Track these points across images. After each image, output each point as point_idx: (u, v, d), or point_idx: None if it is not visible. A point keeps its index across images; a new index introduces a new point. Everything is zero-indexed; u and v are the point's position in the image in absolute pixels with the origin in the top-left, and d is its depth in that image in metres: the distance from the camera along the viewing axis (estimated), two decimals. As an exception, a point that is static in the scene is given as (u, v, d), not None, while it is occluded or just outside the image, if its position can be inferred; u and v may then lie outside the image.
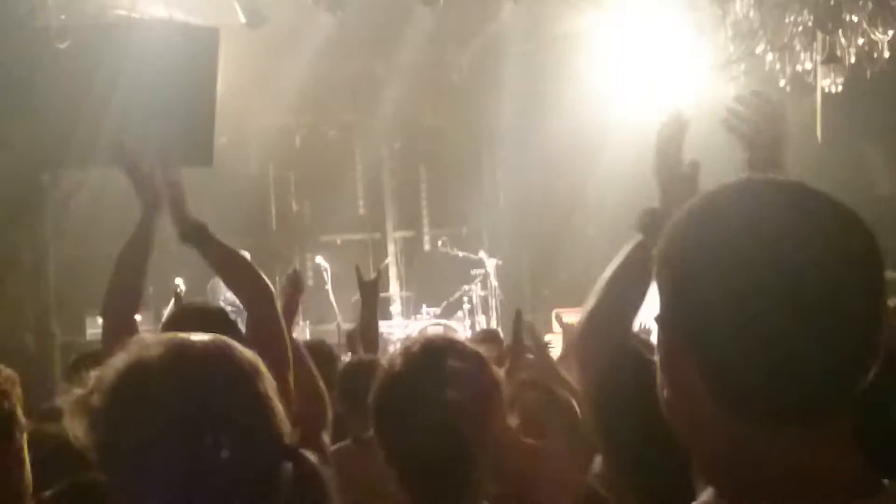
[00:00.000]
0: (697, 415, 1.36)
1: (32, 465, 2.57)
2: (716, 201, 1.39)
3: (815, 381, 1.29)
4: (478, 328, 12.05)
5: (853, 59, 9.82)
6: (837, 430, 1.34)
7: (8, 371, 2.51)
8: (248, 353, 1.87)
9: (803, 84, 10.12)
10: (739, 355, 1.29)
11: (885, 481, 1.36)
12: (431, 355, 2.53)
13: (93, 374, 1.83)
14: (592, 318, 2.46)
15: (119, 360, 1.82)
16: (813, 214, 1.34)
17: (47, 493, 2.76)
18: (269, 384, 1.85)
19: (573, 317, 10.71)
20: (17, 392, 2.50)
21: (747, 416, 1.31)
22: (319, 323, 12.37)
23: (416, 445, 2.48)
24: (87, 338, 10.70)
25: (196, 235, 3.41)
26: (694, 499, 1.39)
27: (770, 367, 1.28)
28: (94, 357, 4.34)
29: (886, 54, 9.80)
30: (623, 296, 2.46)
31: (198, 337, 1.86)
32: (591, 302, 2.47)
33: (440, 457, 2.45)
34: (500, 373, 2.59)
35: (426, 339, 2.65)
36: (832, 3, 9.50)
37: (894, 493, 1.35)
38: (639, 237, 2.45)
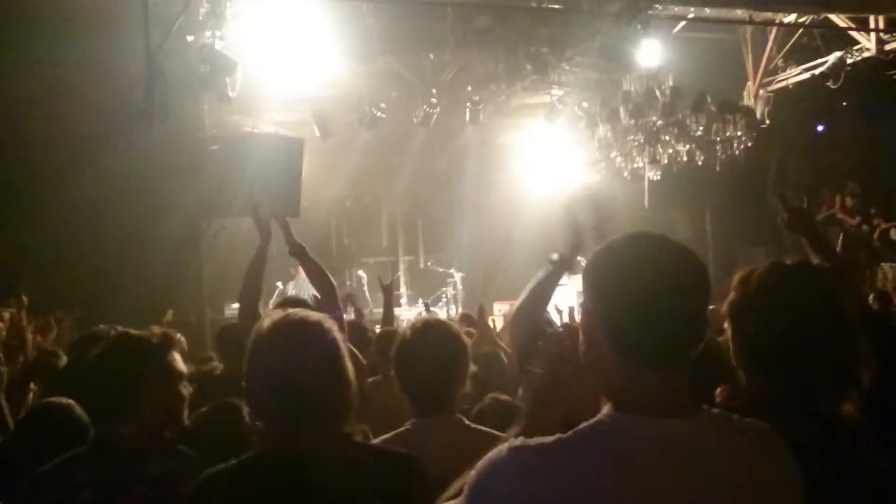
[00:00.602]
0: (602, 360, 1.38)
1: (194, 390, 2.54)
2: (614, 242, 1.42)
3: (669, 344, 1.34)
4: (451, 314, 12.00)
5: (666, 161, 9.88)
6: (680, 374, 1.38)
7: (179, 335, 2.50)
8: (331, 321, 1.93)
9: (637, 175, 10.18)
10: (628, 326, 1.34)
11: (704, 406, 1.40)
12: (428, 327, 2.57)
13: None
14: (519, 311, 2.46)
15: (258, 324, 1.89)
16: (667, 249, 1.39)
17: (202, 409, 2.75)
18: (342, 337, 1.92)
19: (505, 306, 10.76)
20: (184, 347, 2.49)
21: (633, 361, 1.35)
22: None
23: (419, 378, 2.51)
24: (225, 315, 10.61)
25: (299, 252, 3.42)
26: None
27: (645, 334, 1.33)
28: (232, 328, 4.32)
29: (685, 158, 9.87)
30: (536, 299, 2.46)
31: (301, 312, 1.92)
32: (518, 301, 2.49)
33: (432, 384, 2.49)
34: (467, 338, 2.61)
35: (425, 319, 2.68)
36: (654, 129, 9.56)
37: (707, 413, 1.39)
38: (548, 266, 2.46)
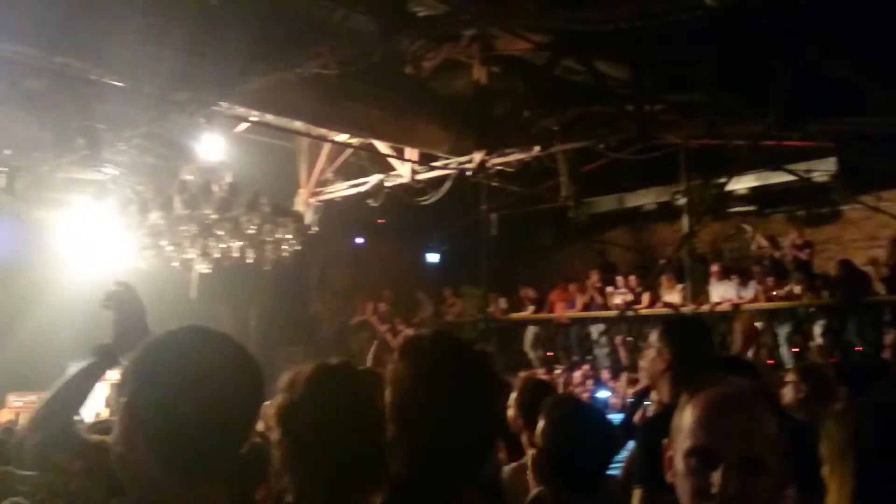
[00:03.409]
0: (139, 465, 1.29)
1: None
2: (158, 342, 1.35)
3: (216, 454, 1.29)
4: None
5: (217, 255, 9.87)
6: (215, 483, 1.32)
7: None
8: None
9: (187, 266, 9.98)
10: (172, 433, 1.26)
11: None
12: None
13: None
14: (44, 408, 2.15)
15: None
16: (218, 347, 1.34)
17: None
18: None
19: (30, 397, 9.63)
20: None
21: (170, 470, 1.27)
22: None
23: None
24: None
25: None
26: None
27: (192, 444, 1.26)
28: None
29: (236, 255, 9.97)
30: (67, 395, 2.15)
31: None
32: (45, 397, 2.14)
33: None
34: None
35: None
36: (208, 222, 9.51)
37: None
38: (90, 359, 2.18)
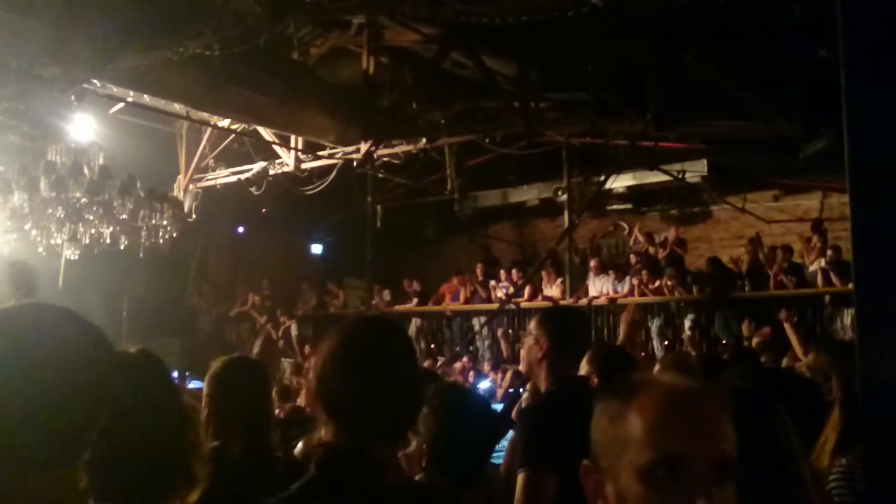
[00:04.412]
0: None
1: None
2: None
3: (33, 441, 1.13)
4: None
5: (87, 241, 9.38)
6: (70, 474, 1.19)
7: None
8: None
9: (54, 252, 9.43)
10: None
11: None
12: None
13: None
14: None
15: None
16: (59, 330, 1.19)
17: None
18: None
19: None
20: None
21: (11, 459, 1.12)
22: None
23: None
24: None
25: None
26: None
27: (28, 427, 1.11)
28: None
29: (108, 241, 9.50)
30: None
31: None
32: None
33: None
34: None
35: None
36: (77, 206, 8.99)
37: None
38: None
